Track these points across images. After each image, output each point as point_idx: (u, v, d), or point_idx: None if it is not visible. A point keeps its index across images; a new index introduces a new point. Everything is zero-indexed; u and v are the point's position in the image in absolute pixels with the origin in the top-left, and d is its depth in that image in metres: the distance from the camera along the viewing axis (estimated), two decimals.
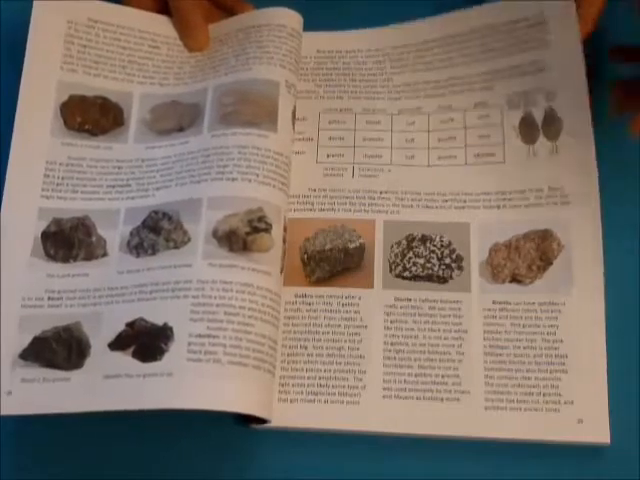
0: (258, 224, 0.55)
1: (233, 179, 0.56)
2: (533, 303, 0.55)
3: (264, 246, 0.55)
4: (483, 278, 0.56)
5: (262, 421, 0.53)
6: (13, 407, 0.52)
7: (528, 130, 0.59)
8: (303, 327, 0.56)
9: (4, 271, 0.55)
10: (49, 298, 0.55)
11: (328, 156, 0.61)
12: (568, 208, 0.57)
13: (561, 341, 0.54)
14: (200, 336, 0.51)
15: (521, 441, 0.52)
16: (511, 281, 0.56)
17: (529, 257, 0.56)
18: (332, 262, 0.57)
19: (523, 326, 0.55)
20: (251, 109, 0.59)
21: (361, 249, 0.58)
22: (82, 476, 0.53)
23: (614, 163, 0.58)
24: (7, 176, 0.57)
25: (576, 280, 0.55)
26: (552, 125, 0.59)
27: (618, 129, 0.56)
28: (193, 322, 0.52)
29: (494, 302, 0.55)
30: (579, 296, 0.55)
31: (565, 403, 0.52)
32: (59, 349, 0.53)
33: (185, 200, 0.56)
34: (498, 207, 0.58)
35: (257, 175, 0.56)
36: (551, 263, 0.56)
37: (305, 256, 0.57)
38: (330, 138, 0.62)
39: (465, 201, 0.58)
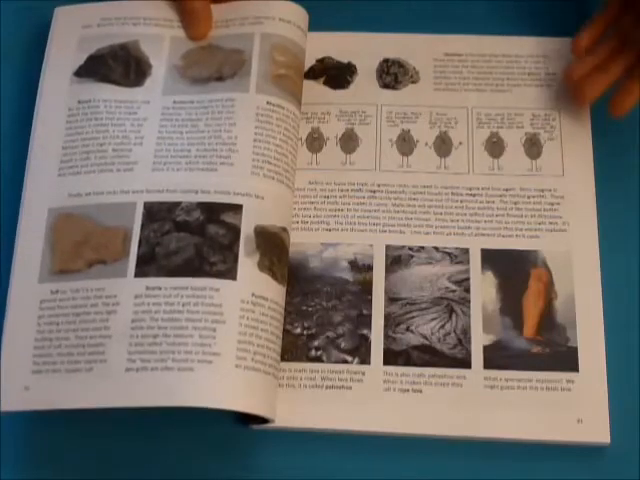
0: None
1: None
2: None
3: None
4: None
5: (262, 421, 0.52)
6: (29, 403, 0.51)
7: None
8: None
9: None
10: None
11: None
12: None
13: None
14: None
15: (521, 441, 0.53)
16: None
17: None
18: None
19: None
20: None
21: None
22: (81, 475, 0.53)
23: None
24: None
25: (577, 280, 0.56)
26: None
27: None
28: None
29: None
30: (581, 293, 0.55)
31: (565, 403, 0.53)
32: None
33: None
34: None
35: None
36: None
37: None
38: None
39: None
